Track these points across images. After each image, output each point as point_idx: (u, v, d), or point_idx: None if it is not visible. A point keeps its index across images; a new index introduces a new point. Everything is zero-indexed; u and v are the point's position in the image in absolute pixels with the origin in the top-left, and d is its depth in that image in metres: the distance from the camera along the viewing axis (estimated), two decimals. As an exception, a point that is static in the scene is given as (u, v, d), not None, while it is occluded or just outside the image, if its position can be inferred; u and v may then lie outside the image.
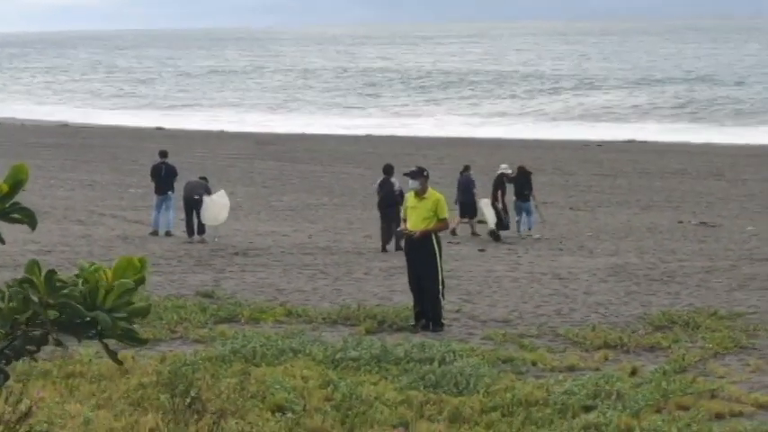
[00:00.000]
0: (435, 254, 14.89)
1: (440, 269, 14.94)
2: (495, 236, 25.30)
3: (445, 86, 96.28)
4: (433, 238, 14.94)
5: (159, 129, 64.32)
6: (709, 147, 51.09)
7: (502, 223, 25.62)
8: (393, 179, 23.88)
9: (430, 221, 14.93)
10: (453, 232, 25.36)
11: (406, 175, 15.54)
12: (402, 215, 15.59)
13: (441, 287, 14.96)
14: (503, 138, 57.19)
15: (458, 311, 16.04)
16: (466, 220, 26.35)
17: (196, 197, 24.64)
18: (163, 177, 25.65)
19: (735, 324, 14.94)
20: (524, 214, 26.17)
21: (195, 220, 24.60)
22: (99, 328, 3.93)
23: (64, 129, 63.70)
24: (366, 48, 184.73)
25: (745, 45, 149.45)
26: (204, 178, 25.99)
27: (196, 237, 24.53)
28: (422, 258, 14.92)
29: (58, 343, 3.98)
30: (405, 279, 19.24)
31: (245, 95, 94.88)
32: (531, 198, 26.12)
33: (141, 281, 3.94)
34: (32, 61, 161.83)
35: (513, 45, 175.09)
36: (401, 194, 23.51)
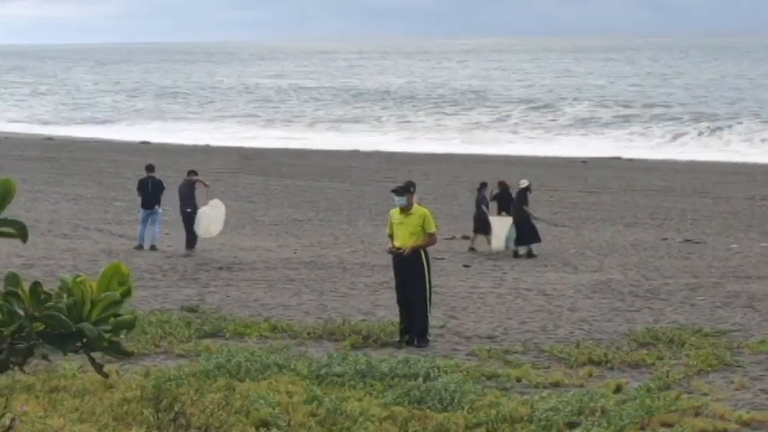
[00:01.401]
0: (424, 269, 14.91)
1: (428, 284, 14.95)
2: (515, 254, 25.25)
3: (423, 102, 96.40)
4: (422, 253, 14.95)
5: (145, 143, 64.23)
6: (693, 164, 51.28)
7: (533, 237, 25.48)
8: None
9: (418, 237, 14.94)
10: (471, 250, 25.88)
11: (392, 191, 15.53)
12: (387, 231, 15.56)
13: (428, 302, 14.97)
14: (487, 154, 57.29)
15: (442, 327, 16.04)
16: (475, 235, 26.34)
17: (188, 210, 24.68)
18: (149, 191, 25.62)
19: (719, 341, 14.97)
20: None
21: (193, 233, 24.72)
22: (84, 340, 3.92)
23: (48, 142, 63.56)
24: (339, 62, 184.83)
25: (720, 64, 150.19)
26: (193, 171, 25.91)
27: (183, 250, 24.51)
28: (411, 273, 14.93)
29: (44, 357, 3.96)
30: (390, 294, 19.26)
31: (226, 110, 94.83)
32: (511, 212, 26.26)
33: (127, 293, 3.94)
34: (15, 75, 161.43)
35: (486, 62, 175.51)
36: None
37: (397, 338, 14.96)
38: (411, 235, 14.93)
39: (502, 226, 25.62)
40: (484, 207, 26.32)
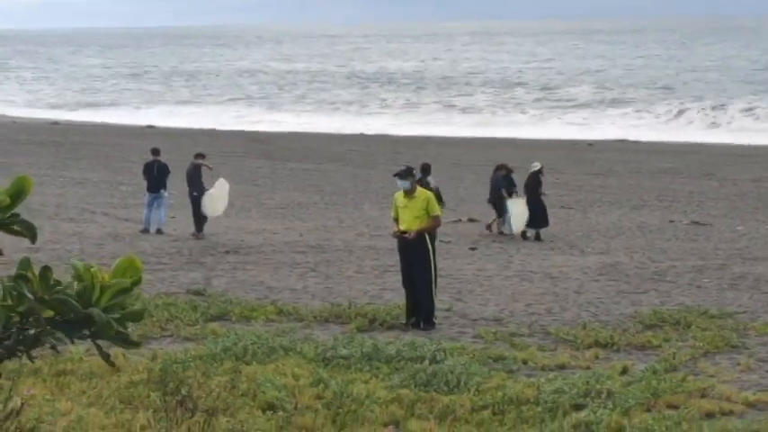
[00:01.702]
0: (429, 251, 14.92)
1: (434, 267, 14.97)
2: (524, 236, 25.24)
3: (429, 86, 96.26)
4: (427, 236, 14.96)
5: (150, 127, 64.25)
6: (699, 146, 51.19)
7: (543, 221, 25.44)
8: (429, 178, 24.19)
9: (422, 220, 14.94)
10: (488, 229, 26.04)
11: (395, 175, 15.50)
12: (392, 215, 15.53)
13: (434, 285, 14.98)
14: (493, 137, 57.22)
15: (449, 310, 16.05)
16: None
17: (195, 194, 24.73)
18: (155, 175, 25.63)
19: (725, 323, 14.97)
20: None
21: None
22: (93, 328, 3.91)
23: (54, 127, 63.58)
24: (343, 46, 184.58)
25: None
26: (200, 155, 25.91)
27: (191, 234, 24.55)
28: (416, 256, 14.93)
29: (53, 347, 3.96)
30: (396, 277, 19.26)
31: (231, 94, 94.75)
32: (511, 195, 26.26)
33: (138, 281, 3.94)
34: (19, 59, 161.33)
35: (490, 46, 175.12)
36: (438, 193, 23.97)
37: (402, 321, 14.97)
38: (415, 218, 14.93)
39: (519, 207, 25.56)
40: (500, 190, 26.23)
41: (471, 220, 27.90)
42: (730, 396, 10.91)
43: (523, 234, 25.31)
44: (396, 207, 15.31)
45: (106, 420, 9.16)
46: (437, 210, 15.16)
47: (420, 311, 14.94)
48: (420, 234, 14.87)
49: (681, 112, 69.04)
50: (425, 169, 24.74)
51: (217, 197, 24.80)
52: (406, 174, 15.23)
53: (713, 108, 69.13)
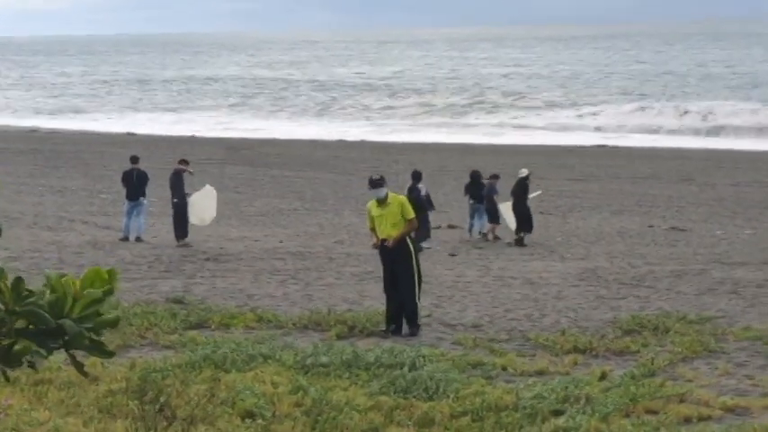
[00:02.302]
0: (411, 255, 14.97)
1: (416, 269, 14.99)
2: (519, 242, 25.28)
3: (407, 92, 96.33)
4: (408, 238, 15.01)
5: (130, 134, 64.11)
6: (679, 152, 51.38)
7: (527, 226, 25.56)
8: (420, 184, 24.51)
9: (400, 225, 14.97)
10: (490, 238, 26.01)
11: (371, 185, 15.41)
12: (369, 226, 15.53)
13: (417, 288, 15.01)
14: (473, 143, 57.30)
15: (428, 316, 16.05)
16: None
17: (175, 200, 24.64)
18: (134, 183, 25.58)
19: (704, 328, 15.01)
20: (476, 217, 26.52)
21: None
22: (66, 337, 3.90)
23: (33, 134, 63.38)
24: (325, 53, 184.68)
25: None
26: (184, 161, 25.83)
27: (174, 242, 24.47)
28: (398, 260, 14.96)
29: (31, 366, 3.95)
30: (377, 284, 19.27)
31: (210, 101, 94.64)
32: (483, 201, 26.41)
33: (110, 292, 3.93)
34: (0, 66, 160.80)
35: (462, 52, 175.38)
36: (428, 199, 24.19)
37: (383, 328, 14.97)
38: (393, 225, 14.97)
39: (508, 212, 25.78)
40: (495, 197, 26.31)
41: (451, 227, 27.94)
42: (708, 401, 10.95)
43: (519, 241, 25.33)
44: (371, 217, 15.31)
45: (84, 430, 9.13)
46: (412, 213, 15.20)
47: (405, 314, 14.96)
48: (401, 240, 14.91)
49: (658, 116, 69.08)
50: (416, 176, 25.02)
51: (203, 206, 24.69)
52: (381, 182, 15.26)
53: (690, 112, 69.22)
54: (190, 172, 25.41)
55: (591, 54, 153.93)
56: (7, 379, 3.98)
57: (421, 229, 23.91)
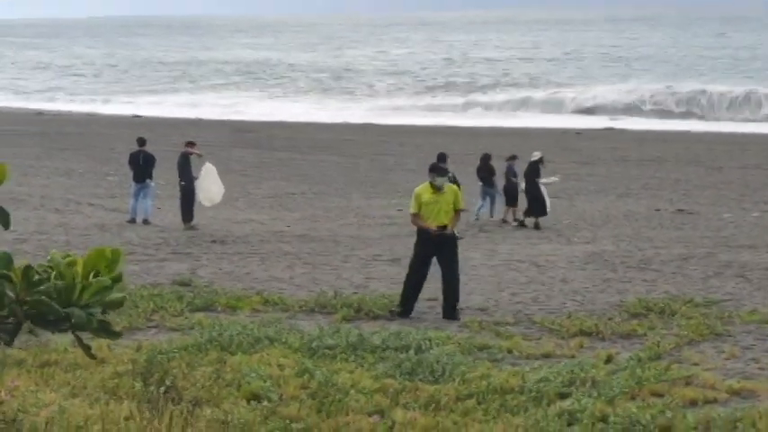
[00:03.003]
0: (457, 243, 15.19)
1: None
2: (521, 224, 25.31)
3: (413, 76, 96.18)
4: (455, 230, 15.17)
5: (136, 116, 64.14)
6: (686, 134, 51.28)
7: (539, 209, 25.57)
8: (444, 166, 24.44)
9: (450, 214, 14.98)
10: (509, 220, 26.00)
11: (434, 172, 15.23)
12: (414, 210, 15.12)
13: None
14: (480, 126, 57.23)
15: (434, 300, 16.05)
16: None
17: (182, 183, 24.63)
18: (141, 165, 25.57)
19: (710, 311, 15.01)
20: (488, 199, 26.52)
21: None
22: (73, 323, 3.91)
23: (39, 117, 63.40)
24: (327, 36, 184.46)
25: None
26: (191, 143, 25.80)
27: (182, 225, 24.49)
28: (446, 248, 14.97)
29: (32, 332, 3.96)
30: (382, 266, 19.31)
31: (214, 83, 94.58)
32: (495, 184, 26.43)
33: (118, 278, 3.92)
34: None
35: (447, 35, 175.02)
36: (455, 180, 24.29)
37: (395, 309, 14.89)
38: (446, 213, 14.94)
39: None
40: (513, 179, 26.27)
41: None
42: (714, 384, 10.94)
43: (521, 222, 25.37)
44: (419, 203, 15.00)
45: (90, 411, 9.13)
46: (463, 204, 15.32)
47: (450, 300, 15.00)
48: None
49: (663, 100, 68.80)
50: (442, 158, 25.10)
51: (207, 185, 24.63)
52: (445, 171, 15.43)
53: (695, 96, 68.95)
54: (198, 154, 25.34)
55: (598, 36, 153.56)
56: (10, 346, 3.99)
57: None
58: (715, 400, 10.45)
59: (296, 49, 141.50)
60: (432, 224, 14.93)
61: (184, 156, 25.08)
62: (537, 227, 25.16)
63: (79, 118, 63.16)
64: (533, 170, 25.85)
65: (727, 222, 25.92)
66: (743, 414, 9.81)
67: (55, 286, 3.92)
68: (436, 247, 15.02)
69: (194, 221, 24.53)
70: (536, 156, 26.31)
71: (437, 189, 15.01)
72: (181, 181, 24.81)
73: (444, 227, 14.90)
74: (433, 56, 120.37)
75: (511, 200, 26.26)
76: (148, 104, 76.53)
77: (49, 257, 3.95)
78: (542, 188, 25.73)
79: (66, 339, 11.58)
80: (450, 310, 14.95)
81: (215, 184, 24.72)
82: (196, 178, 24.67)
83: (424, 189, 15.09)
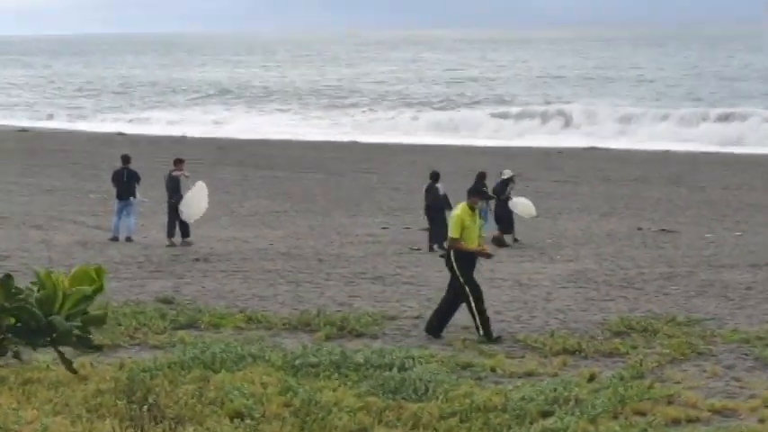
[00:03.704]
0: None
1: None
2: (501, 243, 25.32)
3: (392, 94, 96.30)
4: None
5: (120, 134, 64.03)
6: (668, 154, 51.47)
7: (506, 227, 25.62)
8: (438, 184, 25.08)
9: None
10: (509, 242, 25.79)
11: (476, 195, 15.35)
12: (455, 234, 14.87)
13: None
14: (464, 145, 57.30)
15: (418, 317, 16.08)
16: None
17: (172, 201, 24.62)
18: (124, 183, 25.56)
19: (692, 330, 15.06)
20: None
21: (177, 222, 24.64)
22: (54, 334, 3.93)
23: (23, 134, 63.25)
24: (311, 54, 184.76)
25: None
26: (179, 160, 25.79)
27: (177, 239, 24.48)
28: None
29: (16, 355, 3.97)
30: (366, 285, 19.35)
31: (198, 101, 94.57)
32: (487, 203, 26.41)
33: (99, 289, 3.95)
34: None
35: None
36: (446, 199, 24.42)
37: (487, 338, 14.67)
38: (478, 237, 15.12)
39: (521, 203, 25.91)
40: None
41: (441, 228, 27.93)
42: (696, 403, 10.99)
43: (501, 241, 25.33)
44: (462, 226, 14.83)
45: (72, 429, 9.12)
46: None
47: (445, 319, 15.08)
48: None
49: (644, 120, 68.89)
50: (435, 177, 25.32)
51: (193, 201, 24.61)
52: (487, 194, 15.49)
53: (682, 117, 69.18)
54: (186, 176, 25.26)
55: (587, 55, 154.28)
56: None
57: (442, 230, 24.09)
58: (697, 419, 10.49)
59: (278, 67, 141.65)
60: (471, 246, 14.94)
61: (173, 178, 24.99)
62: (504, 243, 25.14)
63: (63, 135, 63.04)
64: (502, 187, 25.98)
65: (708, 242, 26.02)
66: (725, 433, 9.85)
67: (36, 296, 3.95)
68: (473, 267, 15.07)
69: (190, 238, 24.54)
70: (506, 174, 26.41)
71: (474, 211, 15.08)
72: (171, 199, 24.75)
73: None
74: (411, 74, 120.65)
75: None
76: (132, 122, 76.39)
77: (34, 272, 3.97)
78: (511, 206, 25.76)
79: (48, 357, 11.54)
80: (437, 329, 14.92)
81: (199, 203, 24.69)
82: (181, 197, 24.55)
83: (464, 212, 14.94)
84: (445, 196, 25.05)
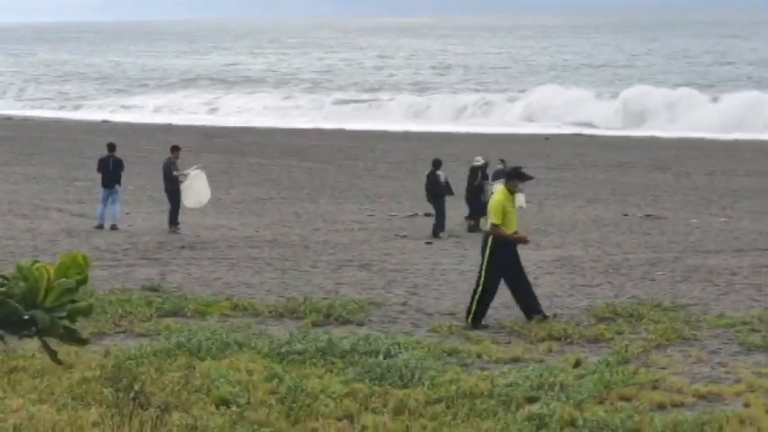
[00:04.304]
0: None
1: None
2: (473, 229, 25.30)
3: (376, 82, 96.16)
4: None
5: (105, 122, 63.86)
6: (654, 140, 51.56)
7: (475, 212, 25.65)
8: (439, 171, 25.33)
9: None
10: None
11: (516, 177, 15.11)
12: (497, 220, 14.58)
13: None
14: (449, 132, 57.28)
15: (404, 304, 16.09)
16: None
17: (170, 189, 24.79)
18: (110, 171, 25.52)
19: (677, 315, 15.10)
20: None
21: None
22: (38, 326, 3.89)
23: (7, 122, 63.03)
24: (296, 41, 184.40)
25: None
26: (176, 147, 25.84)
27: (171, 227, 24.57)
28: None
29: (1, 338, 3.94)
30: (352, 272, 19.35)
31: (182, 88, 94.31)
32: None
33: (84, 281, 3.91)
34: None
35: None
36: (447, 185, 24.45)
37: (543, 316, 14.65)
38: (516, 221, 14.95)
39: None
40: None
41: (427, 215, 27.93)
42: (681, 388, 11.03)
43: (472, 227, 25.32)
44: (504, 211, 14.60)
45: (58, 417, 9.10)
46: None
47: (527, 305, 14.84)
48: None
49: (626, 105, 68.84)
50: (436, 164, 25.44)
51: (194, 188, 24.84)
52: (529, 177, 15.20)
53: (663, 103, 69.17)
54: (182, 174, 25.22)
55: (574, 43, 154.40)
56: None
57: (441, 217, 24.89)
58: (682, 404, 10.53)
59: (270, 55, 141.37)
60: (511, 231, 14.76)
61: (167, 165, 25.14)
62: (472, 229, 25.09)
63: (48, 123, 62.84)
64: (474, 175, 26.00)
65: (694, 228, 26.09)
66: (709, 418, 9.89)
67: (18, 288, 3.90)
68: (515, 252, 14.89)
69: (179, 225, 24.60)
70: (478, 161, 26.43)
71: (513, 196, 14.94)
72: (168, 187, 24.89)
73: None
74: (393, 60, 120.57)
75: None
76: (119, 109, 76.20)
77: (17, 264, 3.94)
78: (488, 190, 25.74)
79: (33, 345, 11.52)
80: (533, 309, 14.71)
81: (204, 189, 25.00)
82: (181, 182, 24.76)
83: (504, 197, 14.76)
84: (446, 182, 25.22)
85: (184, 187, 24.66)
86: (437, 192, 25.02)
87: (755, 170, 38.89)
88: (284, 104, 78.52)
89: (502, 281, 14.89)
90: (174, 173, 24.88)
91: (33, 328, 3.96)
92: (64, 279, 3.91)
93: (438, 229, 24.65)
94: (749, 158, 42.93)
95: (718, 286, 18.02)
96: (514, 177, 15.17)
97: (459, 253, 22.11)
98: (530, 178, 15.36)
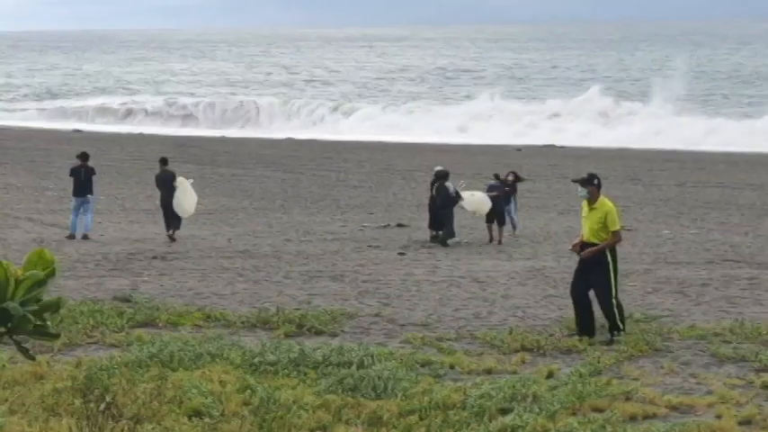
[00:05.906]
0: (608, 266, 14.35)
1: (612, 280, 14.36)
2: (435, 239, 25.27)
3: (352, 93, 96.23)
4: (608, 251, 14.43)
5: (77, 131, 63.59)
6: (625, 151, 51.78)
7: (438, 224, 25.65)
8: (447, 183, 25.51)
9: (599, 233, 14.43)
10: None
11: (575, 181, 14.96)
12: (617, 227, 14.59)
13: (613, 297, 14.40)
14: (421, 142, 57.33)
15: (377, 315, 16.08)
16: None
17: (162, 196, 25.21)
18: (82, 180, 25.43)
19: (649, 327, 15.14)
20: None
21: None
22: (10, 324, 3.87)
23: (-22, 131, 62.67)
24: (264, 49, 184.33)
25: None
26: (164, 159, 26.14)
27: (167, 232, 24.78)
28: (590, 270, 14.47)
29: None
30: (324, 282, 19.32)
31: (153, 97, 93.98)
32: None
33: (52, 273, 3.89)
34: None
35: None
36: (458, 195, 25.29)
37: (574, 334, 14.51)
38: (592, 231, 14.42)
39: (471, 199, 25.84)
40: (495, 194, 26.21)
41: (400, 225, 27.97)
42: (654, 399, 11.06)
43: (435, 238, 25.28)
44: (582, 216, 14.72)
45: (29, 428, 9.05)
46: (617, 225, 14.51)
47: (609, 323, 14.45)
48: (595, 255, 14.34)
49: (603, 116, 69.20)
50: (443, 175, 25.42)
51: (182, 197, 25.13)
52: (585, 182, 14.61)
53: (632, 113, 69.45)
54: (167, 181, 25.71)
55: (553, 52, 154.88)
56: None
57: (450, 227, 25.03)
58: (654, 416, 10.56)
59: (228, 62, 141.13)
60: (583, 238, 14.58)
61: (170, 177, 25.53)
62: (437, 239, 25.11)
63: (18, 132, 62.51)
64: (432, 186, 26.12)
65: (665, 239, 26.21)
66: (681, 429, 9.94)
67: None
68: (582, 265, 14.58)
69: (170, 232, 24.80)
70: (438, 169, 26.55)
71: (589, 203, 14.61)
72: (164, 195, 25.12)
73: (585, 245, 14.47)
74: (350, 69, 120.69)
75: (500, 220, 25.88)
76: (90, 118, 75.85)
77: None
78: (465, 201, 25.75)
79: (3, 355, 11.44)
80: (589, 329, 14.45)
81: (189, 198, 25.32)
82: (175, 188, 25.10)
83: (584, 203, 14.71)
84: (456, 193, 25.31)
85: (179, 195, 25.01)
86: (448, 203, 25.13)
87: (727, 182, 39.12)
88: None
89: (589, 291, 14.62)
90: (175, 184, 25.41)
91: (4, 328, 3.92)
92: (33, 272, 3.89)
93: (448, 236, 24.87)
94: (719, 170, 43.17)
95: (689, 297, 18.11)
96: (594, 186, 14.78)
97: (432, 264, 22.13)
98: (587, 182, 14.88)
